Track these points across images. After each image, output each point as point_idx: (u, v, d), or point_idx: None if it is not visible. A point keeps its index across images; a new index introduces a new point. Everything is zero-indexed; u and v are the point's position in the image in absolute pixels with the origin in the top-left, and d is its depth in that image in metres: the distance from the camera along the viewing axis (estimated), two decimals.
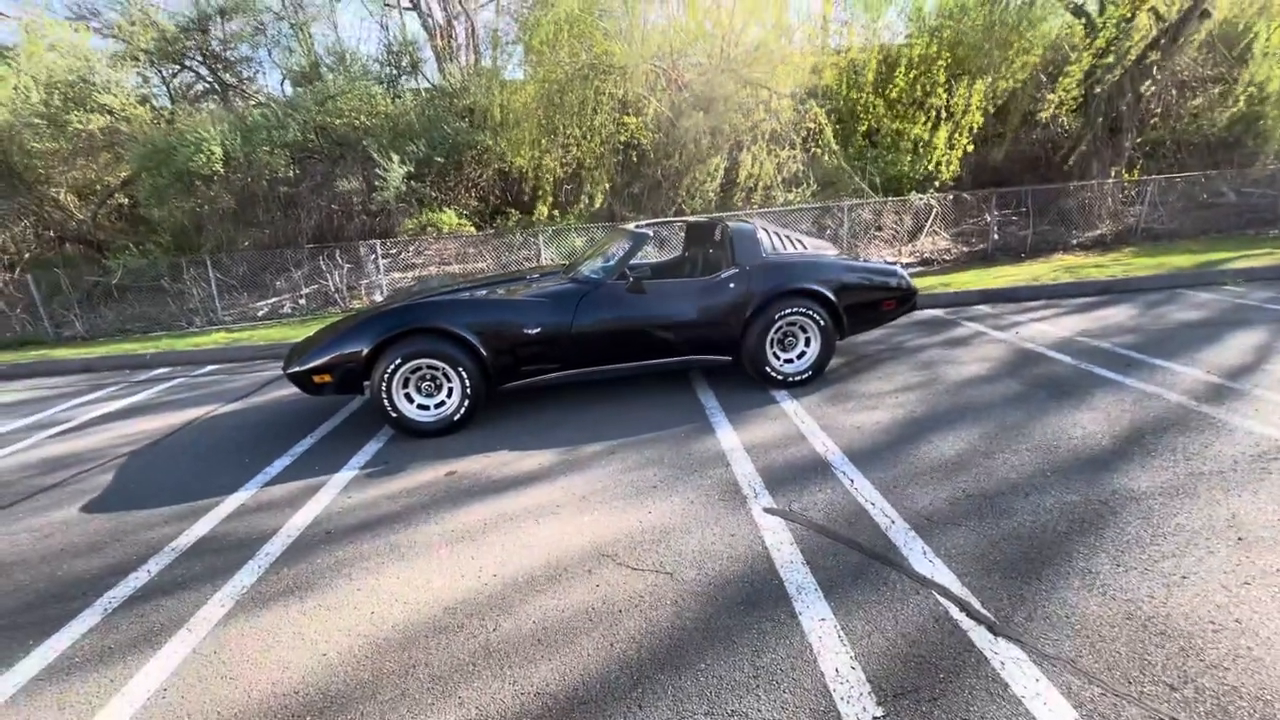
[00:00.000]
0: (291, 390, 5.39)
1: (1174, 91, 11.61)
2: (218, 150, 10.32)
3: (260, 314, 10.56)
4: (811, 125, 10.78)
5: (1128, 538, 2.38)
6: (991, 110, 10.89)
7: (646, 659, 1.93)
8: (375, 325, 3.85)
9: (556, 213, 11.51)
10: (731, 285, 4.35)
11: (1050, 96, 10.81)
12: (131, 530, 3.05)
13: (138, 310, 10.69)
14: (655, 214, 11.65)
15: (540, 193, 10.87)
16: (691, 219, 5.37)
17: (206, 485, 3.53)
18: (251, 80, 13.83)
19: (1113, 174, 10.95)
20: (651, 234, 4.64)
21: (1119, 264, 8.56)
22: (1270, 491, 2.65)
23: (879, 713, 1.67)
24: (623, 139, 11.18)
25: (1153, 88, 10.66)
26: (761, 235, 4.58)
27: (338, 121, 12.16)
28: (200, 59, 12.95)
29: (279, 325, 9.51)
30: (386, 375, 3.79)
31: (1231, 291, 6.76)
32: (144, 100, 12.12)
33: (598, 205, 11.45)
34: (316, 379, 3.91)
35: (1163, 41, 9.92)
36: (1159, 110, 11.44)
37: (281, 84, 13.78)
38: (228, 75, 13.38)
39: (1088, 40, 10.29)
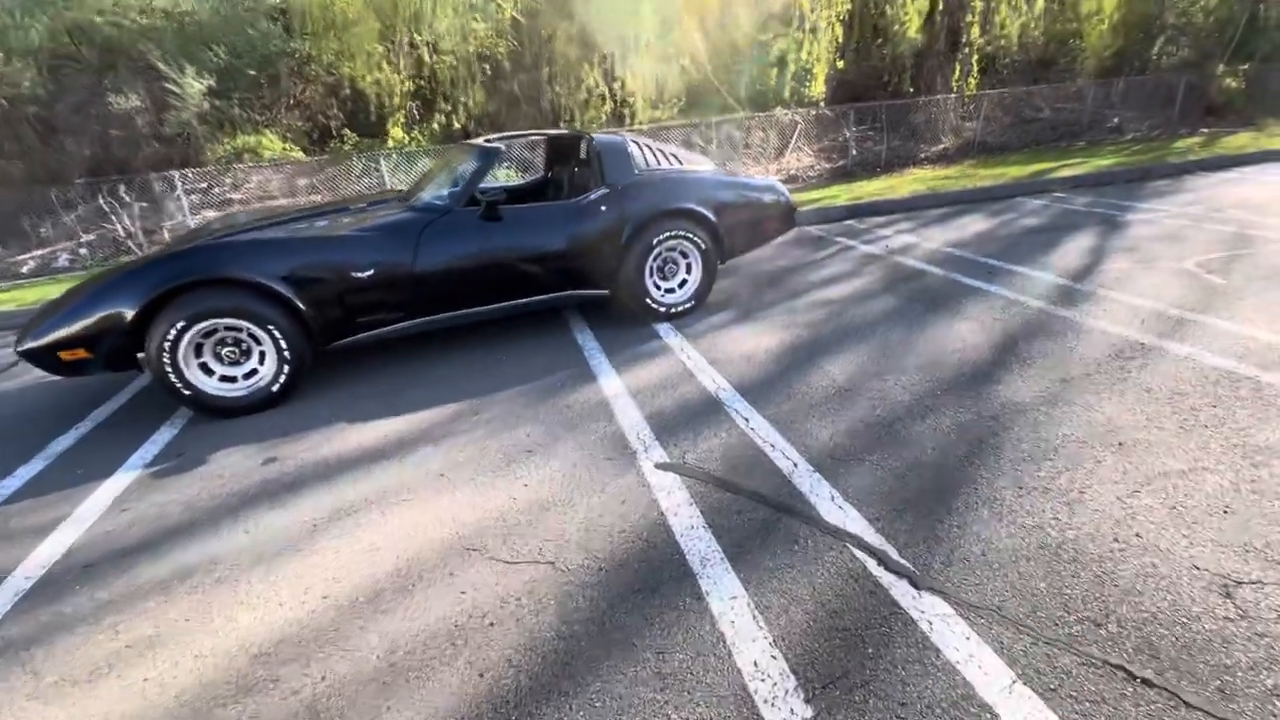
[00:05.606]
0: None
1: (1003, 9, 12.25)
2: None
3: (25, 269, 8.44)
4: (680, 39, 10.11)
5: (1023, 454, 2.31)
6: (849, 22, 10.83)
7: (526, 687, 1.53)
8: (142, 278, 2.92)
9: (410, 135, 10.08)
10: (603, 208, 3.83)
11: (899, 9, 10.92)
12: None
13: None
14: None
15: (387, 111, 9.39)
16: (551, 132, 4.69)
17: None
18: None
19: (954, 88, 11.47)
20: (504, 149, 3.95)
21: (965, 176, 9.01)
22: (1135, 392, 2.72)
23: (809, 713, 1.41)
24: (473, 48, 9.86)
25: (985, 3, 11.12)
26: (633, 149, 4.05)
27: (99, 19, 9.62)
28: None
29: (54, 282, 7.62)
30: (167, 343, 2.92)
31: (1058, 198, 7.30)
32: None
33: (455, 126, 10.16)
34: (65, 355, 2.94)
35: None
36: (994, 25, 12.01)
37: None
38: None
39: None
